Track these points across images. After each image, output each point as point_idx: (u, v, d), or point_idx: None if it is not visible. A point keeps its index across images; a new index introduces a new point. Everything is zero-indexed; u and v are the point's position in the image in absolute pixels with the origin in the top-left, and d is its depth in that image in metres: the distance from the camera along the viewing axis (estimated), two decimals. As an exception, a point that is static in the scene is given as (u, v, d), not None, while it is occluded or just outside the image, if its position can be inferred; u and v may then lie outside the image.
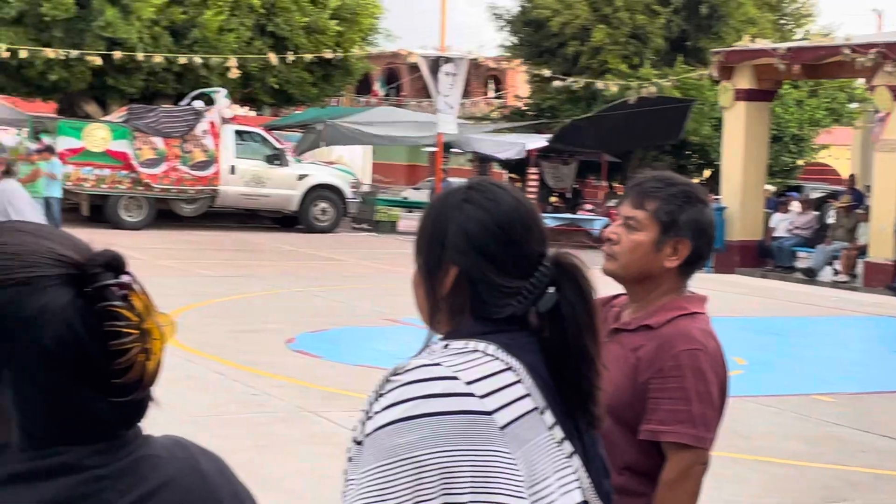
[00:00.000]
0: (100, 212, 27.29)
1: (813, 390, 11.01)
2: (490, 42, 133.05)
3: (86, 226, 24.52)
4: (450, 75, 26.52)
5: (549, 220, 24.91)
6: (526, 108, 39.58)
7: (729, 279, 21.13)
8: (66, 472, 1.20)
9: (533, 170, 31.27)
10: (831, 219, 24.04)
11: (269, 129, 32.05)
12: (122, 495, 1.23)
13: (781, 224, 24.28)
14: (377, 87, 53.43)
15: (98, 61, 28.85)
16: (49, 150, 24.91)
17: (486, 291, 1.97)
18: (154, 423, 1.33)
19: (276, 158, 28.88)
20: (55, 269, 1.23)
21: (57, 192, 24.34)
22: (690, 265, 3.02)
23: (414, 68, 34.33)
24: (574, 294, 1.95)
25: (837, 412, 10.05)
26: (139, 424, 1.29)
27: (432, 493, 1.79)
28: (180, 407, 7.99)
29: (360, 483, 1.82)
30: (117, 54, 28.88)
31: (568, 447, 1.95)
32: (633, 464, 2.90)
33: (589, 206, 31.34)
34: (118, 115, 29.35)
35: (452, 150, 33.99)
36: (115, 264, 1.24)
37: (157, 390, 1.29)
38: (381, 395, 1.90)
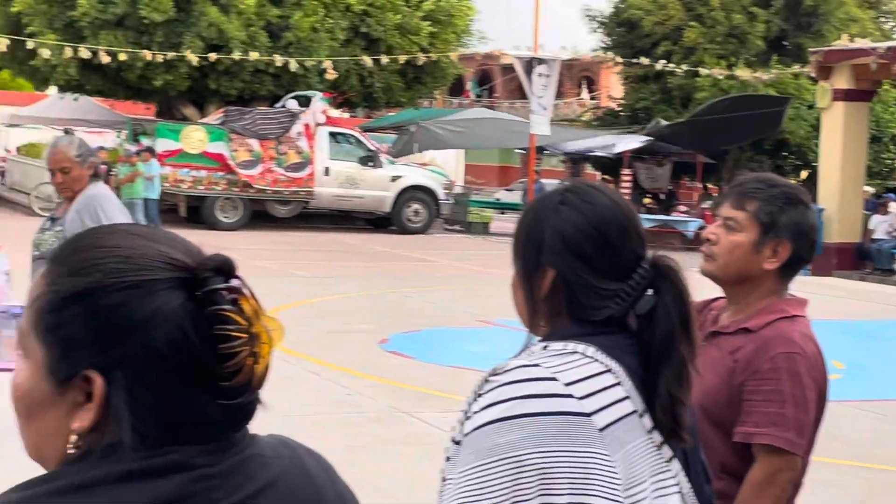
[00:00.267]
0: (197, 213, 27.66)
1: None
2: (583, 43, 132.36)
3: (183, 227, 24.82)
4: (543, 76, 26.43)
5: (643, 222, 24.57)
6: (619, 108, 39.36)
7: (826, 282, 20.80)
8: (177, 471, 1.22)
9: (626, 171, 31.08)
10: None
11: (364, 130, 32.24)
12: (230, 494, 1.25)
13: (880, 226, 23.88)
14: (469, 88, 53.44)
15: (197, 62, 29.21)
16: (149, 151, 25.31)
17: (582, 294, 1.97)
18: (250, 423, 1.35)
19: (369, 160, 29.04)
20: (167, 272, 1.25)
21: (155, 194, 24.73)
22: (790, 267, 2.98)
23: (507, 70, 34.34)
24: (671, 297, 1.95)
25: (939, 418, 9.85)
26: (247, 426, 1.31)
27: (530, 493, 1.80)
28: (275, 406, 8.04)
29: (457, 482, 1.83)
30: (212, 57, 29.22)
31: (667, 451, 1.94)
32: (731, 468, 2.87)
33: (683, 208, 31.07)
34: (214, 117, 29.72)
35: (545, 151, 33.91)
36: (225, 268, 1.26)
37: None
38: (480, 395, 1.90)
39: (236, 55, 29.55)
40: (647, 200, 33.10)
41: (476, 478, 1.81)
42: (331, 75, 30.21)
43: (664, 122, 31.63)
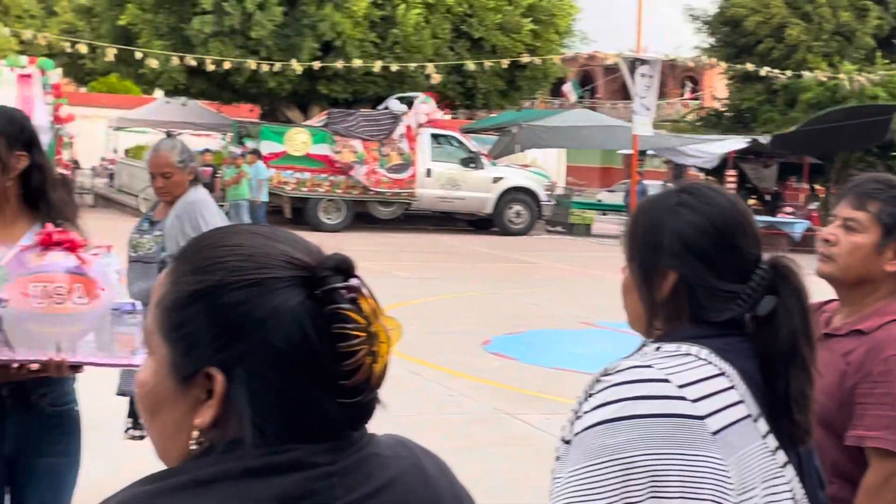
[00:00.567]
0: (300, 214, 27.93)
1: None
2: (686, 43, 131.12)
3: (287, 228, 25.03)
4: (646, 77, 26.24)
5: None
6: (723, 108, 38.92)
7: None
8: (297, 469, 1.23)
9: (731, 172, 30.72)
10: None
11: (465, 132, 32.29)
12: (349, 492, 1.26)
13: None
14: (569, 89, 53.19)
15: (303, 69, 29.52)
16: (255, 153, 25.61)
17: (704, 296, 1.95)
18: (369, 422, 1.36)
19: (471, 161, 29.08)
20: (287, 271, 1.26)
21: (262, 196, 25.01)
22: None
23: (609, 71, 34.15)
24: (792, 299, 1.93)
25: None
26: (366, 425, 1.32)
27: (640, 495, 1.78)
28: (379, 407, 8.09)
29: (566, 482, 1.83)
30: (316, 65, 29.50)
31: (782, 457, 1.92)
32: (843, 471, 2.82)
33: (789, 209, 30.61)
34: (318, 119, 29.99)
35: (648, 152, 33.66)
36: (344, 267, 1.28)
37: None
38: (590, 395, 1.89)
39: (340, 63, 29.79)
40: (752, 201, 32.66)
41: (585, 478, 1.80)
42: (435, 78, 30.33)
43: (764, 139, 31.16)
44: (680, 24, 78.09)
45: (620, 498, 1.78)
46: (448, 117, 34.67)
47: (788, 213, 29.89)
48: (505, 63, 31.33)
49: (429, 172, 28.61)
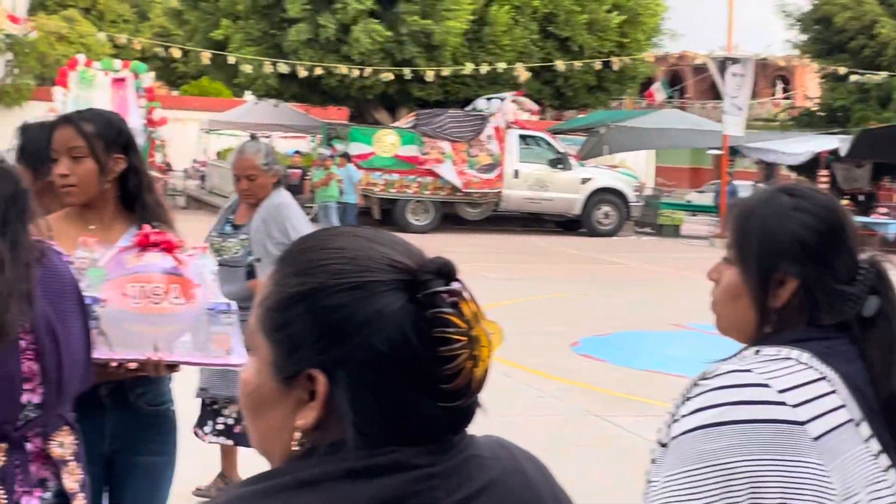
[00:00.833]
0: (389, 215, 28.06)
1: None
2: (777, 40, 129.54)
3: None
4: (737, 76, 25.99)
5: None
6: (816, 108, 38.39)
7: None
8: (399, 470, 1.24)
9: (823, 172, 30.29)
10: None
11: (553, 132, 32.22)
12: (450, 494, 1.26)
13: None
14: (657, 89, 52.77)
15: (392, 75, 29.72)
16: (345, 156, 25.78)
17: (824, 299, 1.92)
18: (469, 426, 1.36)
19: (559, 162, 29.01)
20: (389, 274, 1.27)
21: (353, 198, 25.17)
22: None
23: (698, 70, 33.84)
24: (894, 298, 1.90)
25: None
26: (466, 428, 1.32)
27: (740, 501, 1.76)
28: (479, 410, 8.09)
29: (663, 486, 1.81)
30: (406, 71, 29.64)
31: (884, 461, 1.89)
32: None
33: (883, 210, 30.11)
34: (406, 120, 30.12)
35: (739, 147, 33.31)
36: (445, 271, 1.27)
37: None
38: (688, 399, 1.88)
39: (431, 70, 29.90)
40: (844, 202, 32.15)
41: (683, 483, 1.79)
42: (524, 77, 30.32)
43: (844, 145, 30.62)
44: (770, 21, 77.03)
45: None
46: (536, 118, 34.62)
47: (882, 214, 29.40)
48: (598, 65, 31.20)
49: (516, 173, 28.59)
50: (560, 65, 30.74)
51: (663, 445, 1.88)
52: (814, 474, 1.79)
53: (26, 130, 3.91)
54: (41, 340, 2.81)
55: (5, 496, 2.78)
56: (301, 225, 5.97)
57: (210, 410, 6.14)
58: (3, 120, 28.80)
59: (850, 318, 1.92)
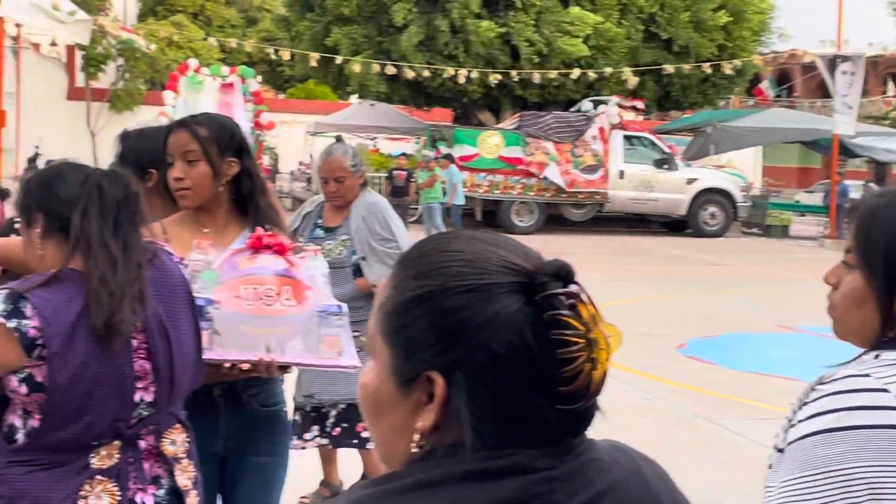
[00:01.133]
0: (493, 217, 28.07)
1: None
2: (889, 37, 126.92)
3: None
4: (847, 74, 25.53)
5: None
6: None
7: None
8: (518, 473, 1.24)
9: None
10: None
11: (658, 133, 31.97)
12: (570, 497, 1.25)
13: None
14: (765, 87, 52.03)
15: (499, 77, 29.79)
16: (448, 158, 25.85)
17: None
18: (588, 428, 1.35)
19: (664, 163, 28.79)
20: (507, 276, 1.27)
21: (458, 199, 25.23)
22: None
23: (807, 68, 33.29)
24: None
25: None
26: (585, 431, 1.32)
27: None
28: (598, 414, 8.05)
29: (780, 491, 1.79)
30: (514, 73, 29.66)
31: None
32: None
33: None
34: (510, 122, 30.13)
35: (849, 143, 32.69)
36: (563, 273, 1.27)
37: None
38: (805, 404, 1.85)
39: (536, 72, 29.91)
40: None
41: (800, 489, 1.77)
42: (631, 81, 30.18)
43: None
44: (881, 18, 75.47)
45: None
46: (640, 118, 34.39)
47: None
48: (707, 68, 30.89)
49: (622, 174, 28.45)
50: (669, 68, 30.50)
51: (780, 451, 1.85)
52: (934, 481, 1.75)
53: (126, 138, 3.97)
54: (153, 339, 2.86)
55: (119, 493, 2.84)
56: (398, 221, 6.02)
57: (312, 416, 6.02)
58: (116, 124, 29.39)
59: None
